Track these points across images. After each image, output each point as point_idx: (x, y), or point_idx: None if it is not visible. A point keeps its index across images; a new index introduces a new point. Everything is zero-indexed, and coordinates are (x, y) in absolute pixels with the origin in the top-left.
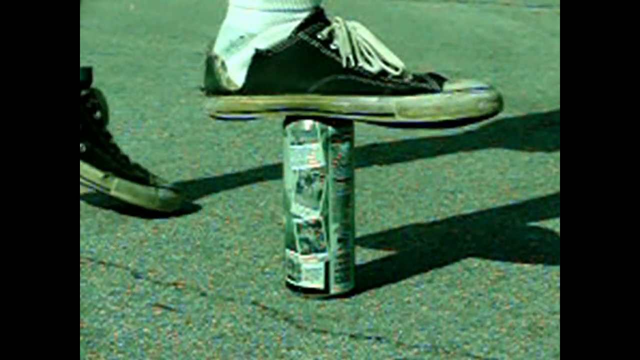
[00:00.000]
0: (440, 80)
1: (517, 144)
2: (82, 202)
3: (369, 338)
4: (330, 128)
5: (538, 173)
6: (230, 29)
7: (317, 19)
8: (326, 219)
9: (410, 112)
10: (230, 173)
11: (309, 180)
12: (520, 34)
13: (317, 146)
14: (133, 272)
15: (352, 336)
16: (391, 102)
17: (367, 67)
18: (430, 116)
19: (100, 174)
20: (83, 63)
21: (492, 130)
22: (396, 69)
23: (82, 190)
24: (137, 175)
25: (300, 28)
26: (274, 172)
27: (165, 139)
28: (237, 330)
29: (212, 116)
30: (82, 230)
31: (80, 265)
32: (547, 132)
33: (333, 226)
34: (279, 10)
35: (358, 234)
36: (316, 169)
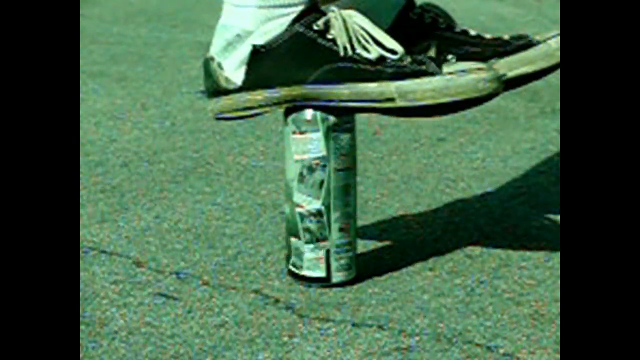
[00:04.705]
0: (439, 62)
1: (518, 131)
2: (83, 192)
3: (371, 326)
4: (331, 117)
5: (539, 161)
6: (226, 27)
7: (312, 10)
8: (327, 208)
9: (411, 95)
10: (232, 162)
11: (311, 169)
12: (522, 22)
13: (319, 135)
14: (135, 261)
15: (354, 324)
16: (391, 87)
17: (365, 54)
18: (430, 98)
19: (483, 64)
20: (83, 52)
21: (493, 118)
22: (395, 53)
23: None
24: (519, 43)
25: (295, 20)
26: (276, 160)
27: (167, 128)
28: (239, 318)
29: (216, 117)
30: (83, 220)
31: (82, 255)
32: (549, 120)
33: (334, 215)
34: (274, 6)
35: (360, 223)
36: (317, 158)
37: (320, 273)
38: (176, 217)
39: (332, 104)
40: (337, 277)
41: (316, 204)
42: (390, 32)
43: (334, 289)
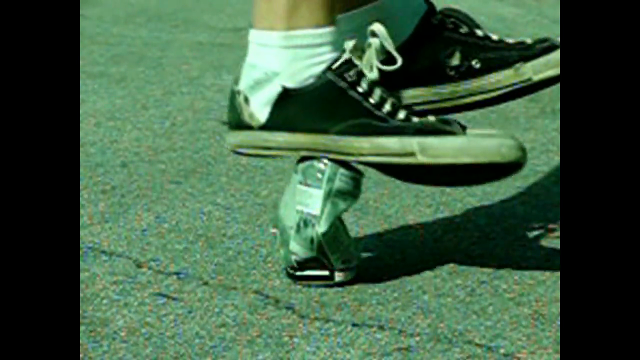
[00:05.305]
0: (463, 127)
1: (518, 131)
2: (83, 192)
3: (371, 326)
4: (337, 181)
5: (540, 161)
6: (253, 67)
7: (348, 61)
8: (324, 254)
9: (431, 151)
10: (232, 162)
11: (305, 223)
12: (522, 22)
13: (319, 194)
14: (135, 262)
15: (354, 324)
16: (413, 141)
17: (367, 72)
18: (451, 157)
19: (510, 72)
20: (83, 53)
21: (493, 118)
22: (394, 62)
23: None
24: (543, 46)
25: (329, 67)
26: (276, 161)
27: (167, 128)
28: (240, 319)
29: (233, 151)
30: (84, 220)
31: (83, 255)
32: (549, 120)
33: (334, 257)
34: (299, 47)
35: (360, 223)
36: (311, 215)
37: (323, 272)
38: (176, 218)
39: (351, 158)
40: (338, 277)
41: (312, 254)
42: (412, 39)
43: (334, 289)
